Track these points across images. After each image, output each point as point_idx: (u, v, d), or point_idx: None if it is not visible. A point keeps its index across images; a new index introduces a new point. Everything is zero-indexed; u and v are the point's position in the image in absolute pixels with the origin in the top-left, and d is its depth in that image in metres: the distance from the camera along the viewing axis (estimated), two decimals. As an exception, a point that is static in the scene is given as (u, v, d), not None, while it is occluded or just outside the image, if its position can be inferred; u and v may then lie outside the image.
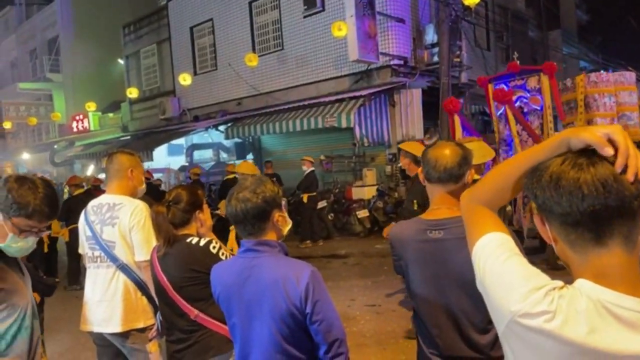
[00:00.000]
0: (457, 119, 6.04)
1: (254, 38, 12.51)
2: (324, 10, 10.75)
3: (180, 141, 15.99)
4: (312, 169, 9.53)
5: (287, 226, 1.72)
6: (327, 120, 9.79)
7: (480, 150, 2.71)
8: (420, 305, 1.80)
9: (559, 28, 19.05)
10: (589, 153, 0.84)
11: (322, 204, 9.70)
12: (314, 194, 9.39)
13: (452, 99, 6.44)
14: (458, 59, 10.86)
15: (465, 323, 1.69)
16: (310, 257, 8.13)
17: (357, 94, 9.90)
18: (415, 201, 4.50)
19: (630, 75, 7.85)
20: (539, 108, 6.45)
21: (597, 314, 0.79)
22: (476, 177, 2.09)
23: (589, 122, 6.74)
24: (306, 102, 10.77)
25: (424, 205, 4.20)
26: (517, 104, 6.59)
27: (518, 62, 6.87)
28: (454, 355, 1.72)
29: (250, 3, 12.44)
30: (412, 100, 10.30)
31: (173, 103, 14.59)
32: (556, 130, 6.91)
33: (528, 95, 6.48)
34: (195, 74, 13.87)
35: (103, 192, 3.08)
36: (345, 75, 10.64)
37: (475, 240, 1.00)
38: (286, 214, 1.71)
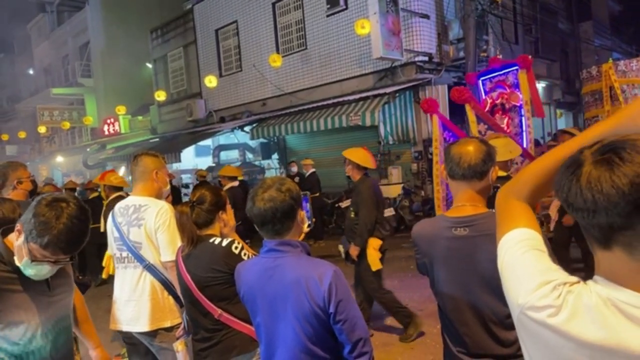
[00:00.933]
0: (435, 118, 5.84)
1: (278, 38, 12.57)
2: (347, 8, 10.71)
3: (207, 142, 16.21)
4: (313, 170, 9.85)
5: (305, 225, 1.72)
6: (351, 119, 9.75)
7: (506, 147, 2.64)
8: (447, 303, 1.78)
9: (590, 19, 18.44)
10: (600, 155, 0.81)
11: (346, 203, 9.66)
12: (317, 194, 9.59)
13: (430, 98, 6.30)
14: (485, 54, 10.63)
15: (493, 320, 1.67)
16: (335, 257, 8.11)
17: (381, 91, 9.82)
18: (352, 209, 4.49)
19: None
20: (518, 104, 6.19)
21: (607, 311, 0.78)
22: (501, 174, 2.03)
23: None
24: (330, 101, 10.76)
25: (357, 213, 4.23)
26: (499, 100, 6.37)
27: (500, 56, 6.57)
28: (483, 352, 1.70)
29: (273, 4, 12.51)
30: (438, 97, 10.12)
31: (200, 105, 14.82)
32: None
33: (508, 91, 6.26)
34: (220, 75, 14.05)
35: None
36: (369, 73, 10.57)
37: (503, 234, 0.99)
38: (304, 213, 1.71)
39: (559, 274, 0.86)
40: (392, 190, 9.87)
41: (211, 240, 2.11)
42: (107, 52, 20.89)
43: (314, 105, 11.12)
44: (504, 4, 11.46)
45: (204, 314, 2.08)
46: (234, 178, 7.20)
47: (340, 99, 10.59)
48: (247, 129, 13.40)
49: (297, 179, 9.78)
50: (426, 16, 9.94)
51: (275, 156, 14.37)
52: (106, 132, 19.94)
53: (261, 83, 12.88)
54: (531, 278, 0.87)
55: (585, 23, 17.99)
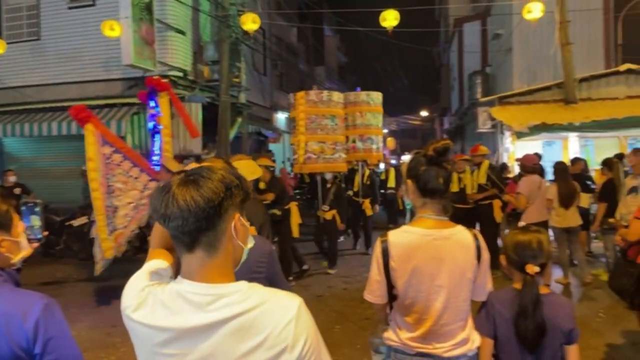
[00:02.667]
0: (91, 129, 5.51)
1: (2, 22, 10.41)
2: (94, 5, 9.75)
3: None
4: (13, 182, 8.65)
5: (20, 253, 1.42)
6: (92, 127, 8.77)
7: (248, 168, 2.83)
8: None
9: (323, 64, 21.78)
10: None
11: (81, 221, 8.57)
12: None
13: (80, 106, 5.77)
14: (237, 80, 11.25)
15: None
16: (65, 282, 7.08)
17: (130, 100, 9.20)
18: None
19: (378, 97, 8.04)
20: (160, 127, 6.48)
21: (172, 300, 1.01)
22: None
23: (307, 145, 6.85)
24: (67, 104, 9.46)
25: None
26: (153, 122, 6.60)
27: (167, 80, 6.45)
28: None
29: (-4, -22, 10.35)
30: (191, 114, 10.12)
31: None
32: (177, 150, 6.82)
33: (160, 114, 6.53)
34: None
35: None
36: (117, 79, 9.78)
37: None
38: (22, 239, 1.41)
39: (148, 281, 1.08)
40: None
41: None
42: None
43: (46, 105, 9.59)
44: (255, 37, 12.41)
45: None
46: None
47: (80, 103, 9.43)
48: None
49: (17, 190, 8.19)
50: (182, 32, 9.89)
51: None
52: None
53: (-29, 70, 10.35)
54: (129, 286, 1.10)
55: (319, 67, 21.18)
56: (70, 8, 9.91)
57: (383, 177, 11.24)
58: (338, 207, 7.30)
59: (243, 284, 1.02)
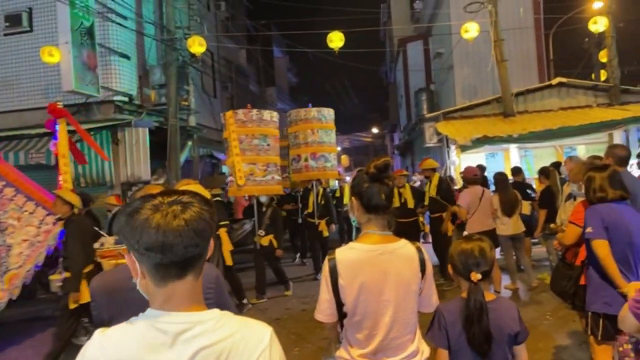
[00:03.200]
0: None
1: None
2: (32, 31, 9.41)
3: None
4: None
5: None
6: (32, 157, 8.38)
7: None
8: None
9: (274, 86, 21.93)
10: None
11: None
12: None
13: None
14: (186, 103, 11.10)
15: None
16: (6, 324, 6.60)
17: (71, 128, 8.84)
18: None
19: (329, 113, 7.86)
20: (55, 154, 5.76)
21: (145, 332, 0.96)
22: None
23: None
24: (5, 133, 8.99)
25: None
26: (54, 149, 5.95)
27: (61, 105, 5.82)
28: None
29: None
30: (138, 140, 9.86)
31: None
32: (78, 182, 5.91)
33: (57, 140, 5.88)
34: None
35: None
36: (58, 107, 9.39)
37: None
38: None
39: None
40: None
41: None
42: None
43: (-19, 136, 9.06)
44: (203, 60, 12.34)
45: None
46: None
47: (19, 132, 9.00)
48: None
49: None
50: (126, 56, 9.70)
51: None
52: None
53: None
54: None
55: (270, 88, 21.33)
56: (6, 35, 9.51)
57: (338, 194, 11.10)
58: (275, 232, 6.87)
59: (216, 312, 1.02)
